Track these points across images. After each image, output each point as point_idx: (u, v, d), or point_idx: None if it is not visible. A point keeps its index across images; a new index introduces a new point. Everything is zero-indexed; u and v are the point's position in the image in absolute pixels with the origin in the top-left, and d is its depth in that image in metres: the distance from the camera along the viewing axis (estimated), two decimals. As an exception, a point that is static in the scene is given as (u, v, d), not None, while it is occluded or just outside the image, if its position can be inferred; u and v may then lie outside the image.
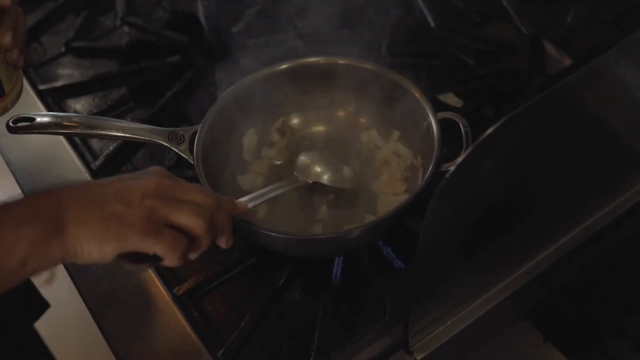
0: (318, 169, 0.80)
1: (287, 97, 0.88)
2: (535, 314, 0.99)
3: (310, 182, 0.78)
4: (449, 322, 0.74)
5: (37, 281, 1.26)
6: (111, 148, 0.91)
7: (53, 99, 0.98)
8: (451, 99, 0.95)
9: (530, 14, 1.03)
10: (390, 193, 0.80)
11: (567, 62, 1.01)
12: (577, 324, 1.04)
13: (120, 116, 0.96)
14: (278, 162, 0.86)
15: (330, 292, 0.76)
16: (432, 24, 1.03)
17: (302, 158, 0.81)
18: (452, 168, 0.55)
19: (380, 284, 0.76)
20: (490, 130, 0.55)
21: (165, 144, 0.78)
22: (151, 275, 0.78)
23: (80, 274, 0.79)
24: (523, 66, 0.98)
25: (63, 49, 1.06)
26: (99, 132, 0.77)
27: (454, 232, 0.66)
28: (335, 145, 0.86)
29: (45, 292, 1.20)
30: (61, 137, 0.92)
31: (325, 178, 0.79)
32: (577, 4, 1.03)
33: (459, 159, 0.55)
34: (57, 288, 1.31)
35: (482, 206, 0.66)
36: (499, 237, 0.72)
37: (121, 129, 0.77)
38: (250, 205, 0.68)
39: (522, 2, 1.04)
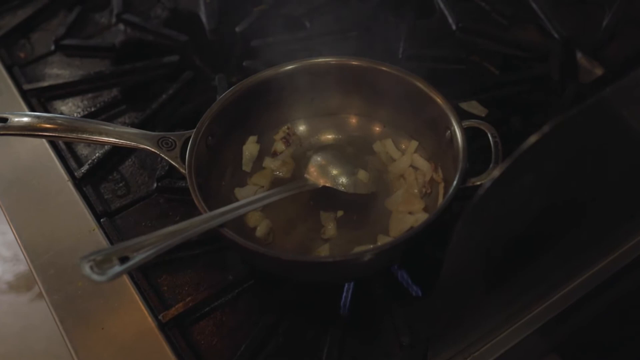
0: (331, 172, 0.73)
1: (293, 102, 0.80)
2: (564, 347, 0.90)
3: (320, 185, 0.71)
4: (472, 357, 0.66)
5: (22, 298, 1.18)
6: (97, 154, 0.82)
7: (38, 100, 0.91)
8: (475, 107, 0.86)
9: (562, 16, 0.95)
10: (405, 211, 0.71)
11: (599, 71, 0.93)
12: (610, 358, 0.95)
13: (109, 120, 0.89)
14: (281, 174, 0.77)
15: (338, 322, 0.67)
16: (454, 27, 0.95)
17: (316, 158, 0.74)
18: (484, 183, 0.46)
19: (394, 315, 0.68)
20: (534, 138, 0.46)
21: (154, 150, 0.70)
22: (134, 297, 0.70)
23: (53, 293, 0.70)
24: (554, 73, 0.90)
25: (52, 47, 0.99)
26: (80, 135, 0.70)
27: (480, 258, 0.57)
28: (346, 155, 0.77)
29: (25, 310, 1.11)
30: (44, 142, 0.84)
31: (339, 182, 0.72)
32: (614, 5, 0.94)
33: (494, 173, 0.46)
34: (32, 309, 1.23)
35: (516, 228, 0.57)
36: (528, 264, 0.64)
37: (105, 133, 0.70)
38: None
39: (553, 3, 0.96)
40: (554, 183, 0.55)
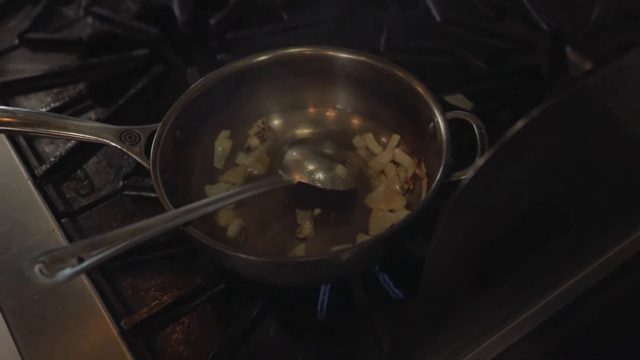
0: (308, 167, 0.69)
1: (268, 94, 0.76)
2: (559, 353, 0.86)
3: (296, 182, 0.67)
4: (459, 363, 0.62)
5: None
6: (60, 152, 0.78)
7: (-1, 96, 0.86)
8: (461, 100, 0.83)
9: (551, 8, 0.92)
10: (386, 209, 0.67)
11: (589, 65, 0.90)
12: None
13: (74, 115, 0.84)
14: (255, 171, 0.73)
15: (314, 328, 0.63)
16: (438, 18, 0.92)
17: (291, 152, 0.70)
18: (467, 177, 0.42)
19: (375, 319, 0.64)
20: (520, 124, 0.43)
21: (115, 144, 0.65)
22: (95, 302, 0.66)
23: (7, 297, 0.66)
24: (543, 66, 0.86)
25: (16, 41, 0.95)
26: (37, 129, 0.66)
27: (468, 256, 0.53)
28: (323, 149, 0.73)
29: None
30: (3, 139, 0.80)
31: (315, 178, 0.68)
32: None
33: (479, 162, 0.42)
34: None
35: (503, 223, 0.53)
36: (521, 261, 0.60)
37: (64, 127, 0.66)
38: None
39: (541, -6, 0.93)
40: (541, 177, 0.52)
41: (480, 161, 0.43)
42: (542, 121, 0.44)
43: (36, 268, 0.51)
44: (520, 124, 0.43)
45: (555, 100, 0.45)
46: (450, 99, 0.82)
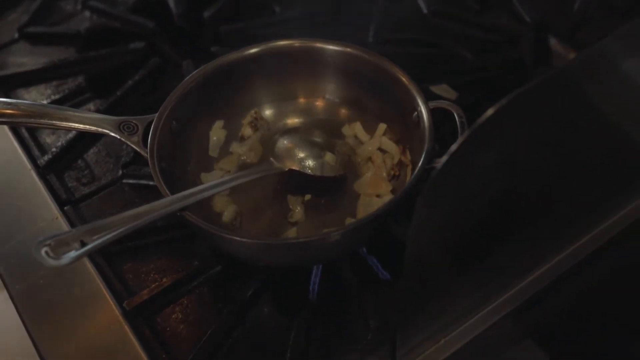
0: (298, 155, 0.71)
1: (260, 85, 0.78)
2: (540, 333, 0.89)
3: (287, 169, 0.70)
4: (442, 342, 0.65)
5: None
6: (61, 142, 0.81)
7: (0, 89, 0.88)
8: (445, 91, 0.85)
9: (534, 0, 0.94)
10: (373, 194, 0.70)
11: (573, 56, 0.92)
12: (586, 346, 0.94)
13: (74, 107, 0.86)
14: (248, 160, 0.76)
15: (306, 308, 0.66)
16: (425, 10, 0.94)
17: (282, 141, 0.72)
18: (441, 162, 0.45)
19: (363, 299, 0.67)
20: (491, 111, 0.45)
21: (114, 134, 0.68)
22: (99, 286, 0.68)
23: (15, 282, 0.69)
24: (527, 57, 0.89)
25: (16, 35, 0.97)
26: (39, 120, 0.68)
27: (445, 239, 0.56)
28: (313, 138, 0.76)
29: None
30: (6, 130, 0.82)
31: (306, 165, 0.71)
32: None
33: (452, 148, 0.45)
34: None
35: (479, 208, 0.56)
36: (498, 245, 0.63)
37: (65, 118, 0.68)
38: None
39: (525, -13, 0.95)
40: (513, 163, 0.54)
41: (453, 147, 0.46)
42: (512, 109, 0.47)
43: (43, 251, 0.54)
44: (490, 111, 0.45)
45: (525, 89, 0.48)
46: (435, 89, 0.85)
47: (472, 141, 0.46)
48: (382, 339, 0.64)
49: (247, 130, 0.78)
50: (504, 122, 0.48)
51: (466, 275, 0.64)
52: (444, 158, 0.45)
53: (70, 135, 0.82)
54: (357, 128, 0.77)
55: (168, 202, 0.61)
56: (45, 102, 0.87)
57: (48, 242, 0.54)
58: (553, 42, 0.92)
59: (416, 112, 0.69)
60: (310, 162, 0.71)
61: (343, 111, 0.79)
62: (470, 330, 0.67)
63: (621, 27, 0.50)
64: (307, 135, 0.74)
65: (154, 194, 0.65)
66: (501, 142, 0.50)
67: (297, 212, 0.71)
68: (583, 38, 0.92)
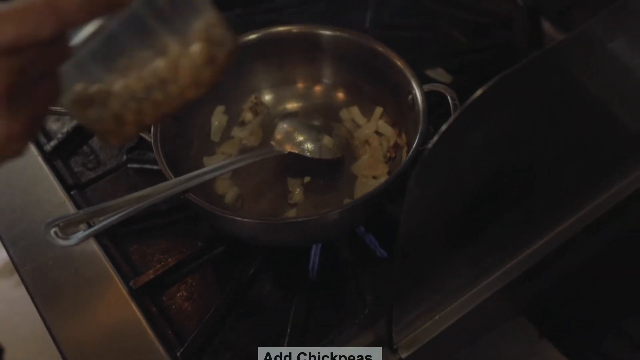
0: (297, 138, 0.73)
1: (259, 71, 0.80)
2: (531, 309, 0.92)
3: (286, 152, 0.72)
4: (437, 317, 0.67)
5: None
6: (67, 129, 0.83)
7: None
8: (441, 74, 0.87)
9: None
10: (370, 175, 0.73)
11: (564, 39, 0.93)
12: (575, 321, 0.97)
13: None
14: (249, 144, 0.78)
15: (306, 285, 0.68)
16: (421, -5, 0.96)
17: (282, 125, 0.74)
18: (432, 139, 0.47)
19: (360, 276, 0.69)
20: (479, 91, 0.47)
21: (119, 120, 0.69)
22: (106, 266, 0.71)
23: (25, 263, 0.71)
24: (520, 41, 0.91)
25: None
26: None
27: (438, 217, 0.58)
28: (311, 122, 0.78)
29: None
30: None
31: (305, 148, 0.73)
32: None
33: (442, 128, 0.47)
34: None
35: (470, 187, 0.58)
36: (490, 223, 0.64)
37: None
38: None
39: (518, -29, 0.97)
40: (502, 142, 0.55)
41: (443, 127, 0.48)
42: (500, 89, 0.49)
43: (52, 231, 0.57)
44: (479, 92, 0.47)
45: (513, 70, 0.50)
46: (431, 73, 0.86)
47: (462, 121, 0.47)
48: (378, 313, 0.66)
49: (247, 115, 0.80)
50: (493, 103, 0.49)
51: (459, 252, 0.65)
52: (435, 138, 0.47)
53: (75, 122, 0.83)
54: (354, 112, 0.79)
55: (172, 185, 0.63)
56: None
57: (57, 223, 0.57)
58: (546, 25, 0.93)
59: (411, 95, 0.71)
60: (309, 145, 0.73)
61: (340, 95, 0.81)
62: (464, 305, 0.68)
63: (605, 9, 0.52)
64: (306, 119, 0.76)
65: (157, 177, 0.67)
66: (490, 122, 0.52)
67: (297, 193, 0.73)
68: (575, 21, 0.93)
